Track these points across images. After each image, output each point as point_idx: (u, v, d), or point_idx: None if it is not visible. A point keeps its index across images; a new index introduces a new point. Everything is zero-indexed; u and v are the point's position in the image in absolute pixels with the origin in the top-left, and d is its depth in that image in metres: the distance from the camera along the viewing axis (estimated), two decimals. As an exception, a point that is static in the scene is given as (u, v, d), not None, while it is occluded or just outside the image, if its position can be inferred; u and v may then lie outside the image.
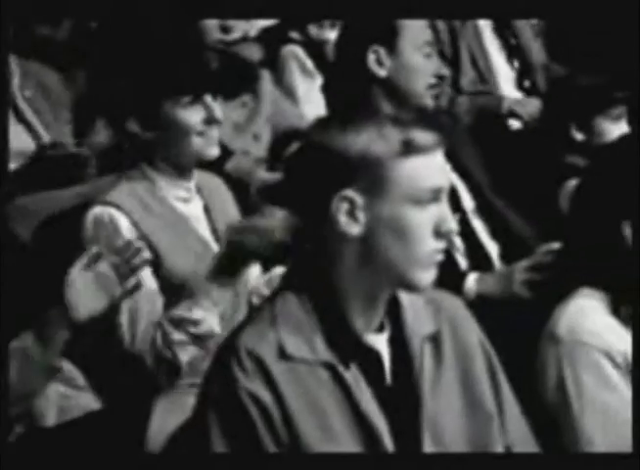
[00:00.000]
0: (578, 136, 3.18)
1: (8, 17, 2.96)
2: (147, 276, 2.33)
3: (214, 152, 2.43)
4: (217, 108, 2.39)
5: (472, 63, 3.97)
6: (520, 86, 4.01)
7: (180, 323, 2.30)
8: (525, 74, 4.03)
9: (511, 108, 3.83)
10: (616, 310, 2.03)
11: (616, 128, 3.09)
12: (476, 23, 3.99)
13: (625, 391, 1.97)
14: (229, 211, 2.57)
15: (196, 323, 2.30)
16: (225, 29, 3.58)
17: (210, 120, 2.37)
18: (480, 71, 3.98)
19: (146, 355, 2.31)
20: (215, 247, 2.44)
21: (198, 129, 2.38)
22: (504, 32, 4.04)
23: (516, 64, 4.04)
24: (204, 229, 2.47)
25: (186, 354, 2.30)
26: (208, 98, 2.38)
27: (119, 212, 2.35)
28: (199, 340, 2.30)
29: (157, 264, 2.35)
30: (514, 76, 4.03)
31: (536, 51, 4.08)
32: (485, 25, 4.03)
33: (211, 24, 3.54)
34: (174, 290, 2.36)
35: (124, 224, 2.35)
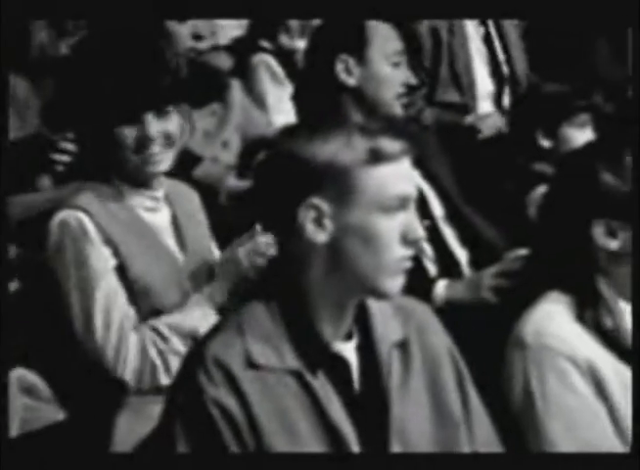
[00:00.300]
0: (545, 144, 3.22)
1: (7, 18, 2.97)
2: (114, 282, 2.34)
3: (156, 168, 2.39)
4: (156, 126, 2.36)
5: (452, 75, 3.99)
6: (498, 103, 4.04)
7: (183, 332, 2.33)
8: (505, 90, 4.05)
9: (472, 123, 3.88)
10: (581, 316, 2.05)
11: (581, 135, 3.14)
12: (464, 31, 4.01)
13: (588, 396, 2.00)
14: (198, 219, 2.58)
15: (192, 333, 2.32)
16: (197, 37, 3.58)
17: (144, 140, 2.36)
18: (461, 86, 4.00)
19: (122, 360, 2.32)
20: (180, 257, 2.46)
21: (130, 147, 2.37)
22: (493, 44, 4.06)
23: (501, 75, 4.06)
24: (169, 240, 2.47)
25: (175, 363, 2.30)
26: (148, 117, 2.36)
27: (86, 216, 2.35)
28: None
29: (123, 270, 2.35)
30: (493, 91, 4.05)
31: (521, 64, 4.11)
32: (475, 34, 4.05)
33: (183, 33, 3.55)
34: (139, 296, 2.37)
35: (91, 228, 2.35)
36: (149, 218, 2.44)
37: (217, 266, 2.45)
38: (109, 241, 2.35)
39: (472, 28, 4.03)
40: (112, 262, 2.35)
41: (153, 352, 2.33)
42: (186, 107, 2.42)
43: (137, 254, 2.37)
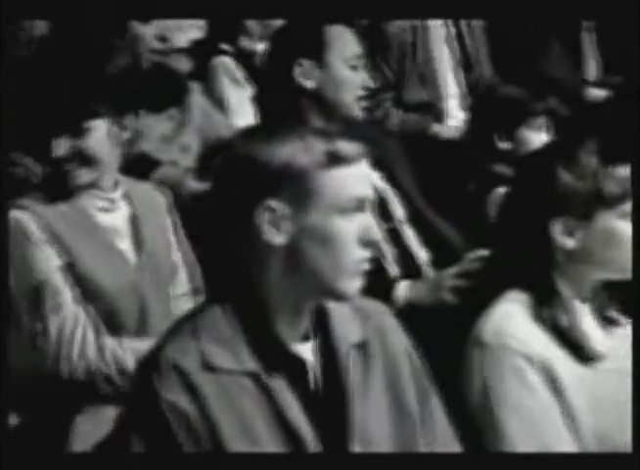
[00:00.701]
0: (504, 146, 3.26)
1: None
2: (59, 281, 2.37)
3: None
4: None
5: (419, 74, 4.03)
6: (464, 102, 4.08)
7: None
8: (472, 89, 4.10)
9: (437, 132, 3.93)
10: (538, 315, 2.07)
11: (538, 137, 3.19)
12: (429, 32, 4.05)
13: (545, 395, 2.01)
14: (160, 220, 2.59)
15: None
16: (162, 39, 3.57)
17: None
18: (427, 85, 4.04)
19: (70, 358, 2.34)
20: (135, 258, 2.47)
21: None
22: (457, 46, 4.10)
23: (466, 77, 4.11)
24: (125, 240, 2.49)
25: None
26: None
27: (29, 215, 2.39)
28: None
29: (71, 268, 2.38)
30: (460, 91, 4.09)
31: (486, 63, 4.16)
32: (440, 36, 4.09)
33: (148, 34, 3.54)
34: (91, 296, 2.39)
35: (33, 227, 2.38)
36: (102, 219, 2.47)
37: None
38: (55, 240, 2.38)
39: (437, 30, 4.08)
40: (56, 262, 2.37)
41: (109, 358, 2.34)
42: (130, 116, 2.47)
43: (86, 253, 2.40)
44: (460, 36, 4.13)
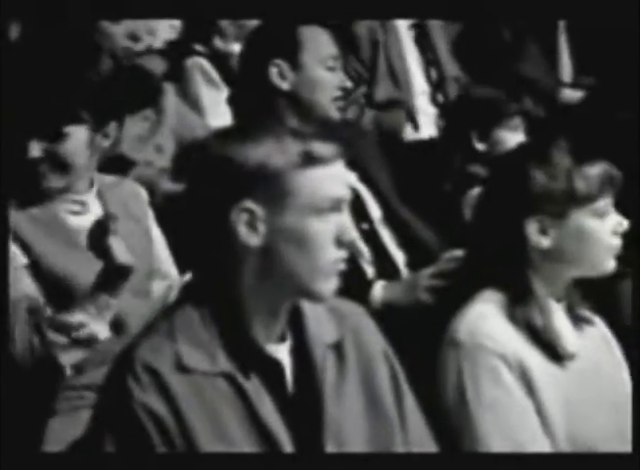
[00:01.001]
0: (480, 146, 3.28)
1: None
2: (24, 278, 2.37)
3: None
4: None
5: (389, 72, 4.05)
6: (433, 100, 4.11)
7: (61, 327, 2.37)
8: (438, 89, 4.12)
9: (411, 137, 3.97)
10: (512, 314, 2.08)
11: (514, 138, 3.20)
12: (397, 32, 4.08)
13: (519, 394, 2.02)
14: (140, 214, 2.60)
15: (76, 328, 2.36)
16: (134, 38, 3.56)
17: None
18: (398, 82, 4.06)
19: (24, 356, 2.35)
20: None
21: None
22: (423, 45, 4.13)
23: (432, 76, 4.14)
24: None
25: (69, 357, 2.36)
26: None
27: None
28: (79, 344, 2.37)
29: (35, 266, 2.40)
30: (429, 90, 4.12)
31: (450, 64, 4.19)
32: (406, 36, 4.12)
33: (119, 32, 3.53)
34: (57, 292, 2.41)
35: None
36: (74, 222, 2.49)
37: None
38: (16, 238, 2.40)
39: (404, 29, 4.11)
40: (22, 261, 2.39)
41: (37, 349, 2.36)
42: (113, 124, 2.48)
43: (55, 254, 2.41)
44: (427, 35, 4.16)
